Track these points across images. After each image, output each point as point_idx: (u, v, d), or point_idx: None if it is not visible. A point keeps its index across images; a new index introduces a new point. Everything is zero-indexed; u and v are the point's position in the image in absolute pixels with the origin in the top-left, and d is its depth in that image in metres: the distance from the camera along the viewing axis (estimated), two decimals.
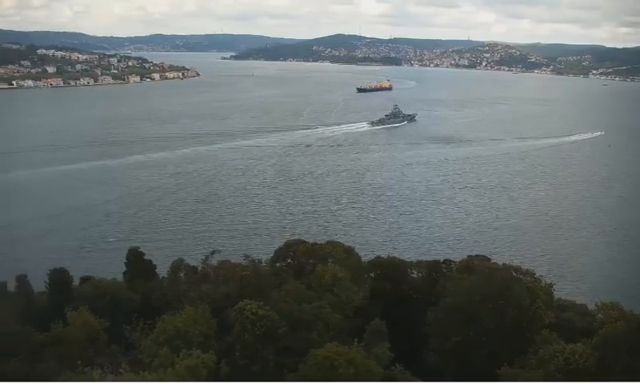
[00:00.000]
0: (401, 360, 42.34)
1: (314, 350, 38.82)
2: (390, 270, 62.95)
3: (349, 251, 64.65)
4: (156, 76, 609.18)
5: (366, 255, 74.00)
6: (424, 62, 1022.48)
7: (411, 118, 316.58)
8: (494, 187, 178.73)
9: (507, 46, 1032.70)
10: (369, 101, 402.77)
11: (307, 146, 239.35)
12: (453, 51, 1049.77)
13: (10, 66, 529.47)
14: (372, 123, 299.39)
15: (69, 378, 31.54)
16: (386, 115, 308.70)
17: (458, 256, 72.70)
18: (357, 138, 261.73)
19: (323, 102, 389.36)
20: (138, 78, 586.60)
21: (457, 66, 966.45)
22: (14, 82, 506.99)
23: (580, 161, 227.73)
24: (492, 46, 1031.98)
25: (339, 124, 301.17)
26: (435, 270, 63.57)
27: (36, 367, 40.39)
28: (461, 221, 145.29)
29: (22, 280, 60.69)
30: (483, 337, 46.74)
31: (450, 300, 50.51)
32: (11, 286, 60.93)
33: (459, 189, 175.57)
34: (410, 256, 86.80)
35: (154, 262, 68.20)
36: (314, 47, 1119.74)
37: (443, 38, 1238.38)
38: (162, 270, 66.72)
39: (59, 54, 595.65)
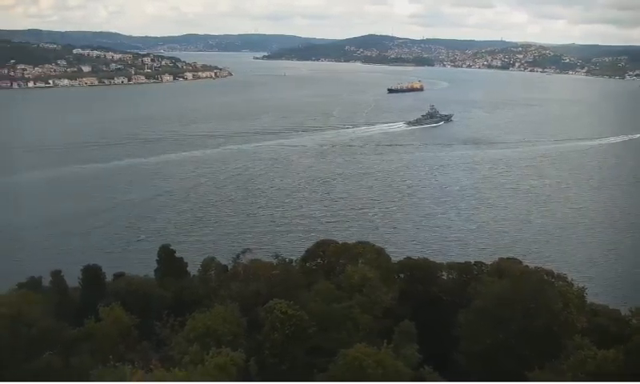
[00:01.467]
0: (430, 362, 42.12)
1: (343, 350, 38.80)
2: (420, 271, 62.68)
3: (379, 252, 64.39)
4: (189, 75, 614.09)
5: (396, 256, 73.67)
6: (456, 63, 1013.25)
7: (448, 119, 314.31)
8: (527, 189, 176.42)
9: (541, 47, 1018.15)
10: (399, 101, 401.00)
11: (343, 145, 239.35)
12: (485, 52, 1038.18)
13: (47, 66, 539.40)
14: (409, 123, 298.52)
15: (101, 372, 31.93)
16: (423, 115, 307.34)
17: (489, 258, 71.95)
18: (392, 138, 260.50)
19: (354, 103, 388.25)
20: (170, 78, 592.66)
21: (489, 66, 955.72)
22: (50, 81, 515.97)
23: (615, 164, 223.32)
24: (525, 47, 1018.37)
25: (375, 124, 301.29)
26: (466, 272, 63.10)
27: (69, 361, 41.04)
28: (493, 223, 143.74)
29: (56, 276, 61.78)
30: (513, 340, 46.20)
31: (480, 302, 50.00)
32: (46, 282, 61.98)
33: (492, 191, 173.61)
34: (440, 258, 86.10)
35: (184, 260, 68.83)
36: (346, 47, 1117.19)
37: (476, 39, 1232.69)
38: (193, 268, 67.35)
39: (94, 53, 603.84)
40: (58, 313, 51.45)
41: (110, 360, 33.09)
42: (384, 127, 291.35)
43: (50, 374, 38.60)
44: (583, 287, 56.10)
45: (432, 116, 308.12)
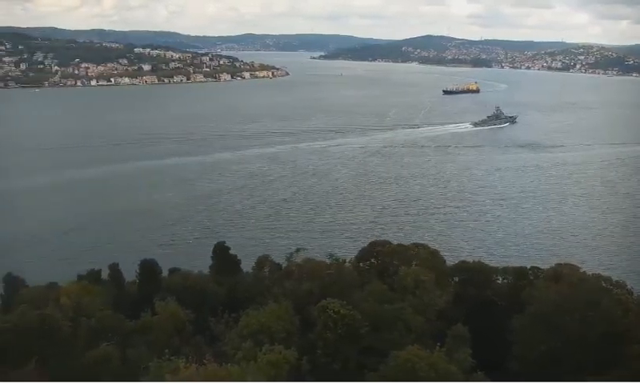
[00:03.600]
0: (483, 367, 41.51)
1: (395, 352, 38.57)
2: (474, 274, 61.87)
3: (434, 254, 63.85)
4: (246, 75, 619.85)
5: (451, 259, 72.88)
6: (515, 64, 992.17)
7: (512, 120, 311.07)
8: (586, 194, 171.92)
9: (603, 48, 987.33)
10: (455, 103, 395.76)
11: (402, 146, 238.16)
12: (545, 53, 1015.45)
13: (109, 65, 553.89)
14: (475, 124, 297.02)
15: (156, 365, 32.48)
16: (489, 116, 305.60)
17: (545, 263, 70.51)
18: (458, 139, 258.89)
19: (409, 104, 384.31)
20: (228, 77, 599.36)
21: (549, 68, 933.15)
22: (112, 79, 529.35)
23: None
24: (587, 48, 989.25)
25: (441, 124, 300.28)
26: (522, 276, 62.01)
27: (126, 353, 41.94)
28: (551, 227, 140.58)
29: (114, 269, 63.27)
30: (569, 348, 45.14)
31: (535, 308, 48.99)
32: (104, 275, 63.50)
33: (551, 194, 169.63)
34: (495, 261, 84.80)
35: (239, 257, 69.48)
36: (403, 48, 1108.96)
37: (535, 40, 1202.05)
38: (247, 265, 67.94)
39: (154, 52, 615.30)
40: (116, 305, 52.72)
41: (165, 353, 33.61)
42: (450, 127, 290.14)
43: (107, 364, 39.54)
44: None
45: (497, 117, 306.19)
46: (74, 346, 41.65)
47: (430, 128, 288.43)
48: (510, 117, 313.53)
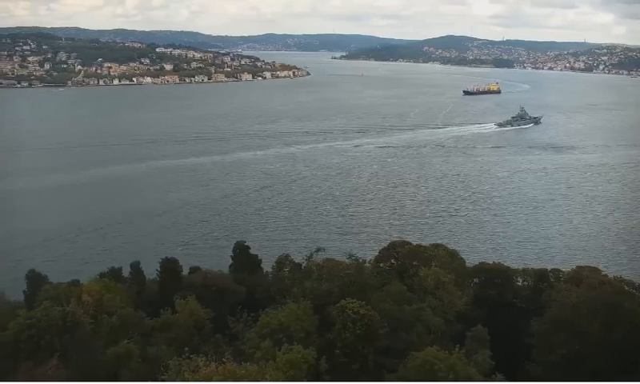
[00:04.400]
0: (502, 369, 41.33)
1: (414, 353, 38.58)
2: (494, 276, 61.65)
3: (453, 255, 63.73)
4: (267, 74, 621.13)
5: (471, 260, 72.58)
6: (537, 65, 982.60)
7: (537, 121, 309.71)
8: (609, 196, 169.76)
9: (627, 49, 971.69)
10: (476, 104, 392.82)
11: (430, 146, 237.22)
12: (568, 54, 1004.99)
13: (131, 64, 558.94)
14: (499, 125, 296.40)
15: (176, 362, 32.74)
16: (513, 117, 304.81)
17: (566, 266, 69.98)
18: (481, 140, 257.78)
19: (430, 104, 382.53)
20: (250, 77, 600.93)
21: (572, 69, 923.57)
22: (134, 79, 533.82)
23: None
24: (610, 48, 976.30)
25: (465, 124, 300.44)
26: (542, 278, 61.72)
27: (146, 350, 42.30)
28: (572, 229, 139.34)
29: (135, 267, 63.80)
30: (590, 351, 44.74)
31: (555, 311, 48.69)
32: (126, 272, 64.07)
33: (573, 196, 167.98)
34: (516, 263, 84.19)
35: (259, 257, 69.76)
36: (425, 48, 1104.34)
37: (558, 40, 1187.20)
38: (267, 265, 68.11)
39: (176, 52, 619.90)
40: (137, 303, 53.20)
41: (184, 351, 33.85)
42: (474, 128, 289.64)
43: (127, 361, 39.92)
44: None
45: (522, 118, 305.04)
46: (95, 342, 42.09)
47: (453, 128, 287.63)
48: (535, 117, 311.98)
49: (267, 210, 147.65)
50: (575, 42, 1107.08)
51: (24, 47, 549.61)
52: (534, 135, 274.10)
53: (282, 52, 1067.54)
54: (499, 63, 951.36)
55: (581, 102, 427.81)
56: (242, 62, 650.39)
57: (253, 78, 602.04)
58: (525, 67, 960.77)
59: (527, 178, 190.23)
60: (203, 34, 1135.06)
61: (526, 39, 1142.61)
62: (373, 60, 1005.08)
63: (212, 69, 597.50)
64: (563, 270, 64.06)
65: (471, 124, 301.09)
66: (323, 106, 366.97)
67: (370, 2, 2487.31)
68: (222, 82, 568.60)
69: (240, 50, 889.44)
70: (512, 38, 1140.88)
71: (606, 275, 59.30)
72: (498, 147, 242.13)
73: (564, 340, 46.14)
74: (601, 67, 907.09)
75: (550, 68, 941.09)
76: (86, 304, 45.66)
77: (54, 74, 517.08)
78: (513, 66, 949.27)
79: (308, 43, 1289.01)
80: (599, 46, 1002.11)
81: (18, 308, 50.08)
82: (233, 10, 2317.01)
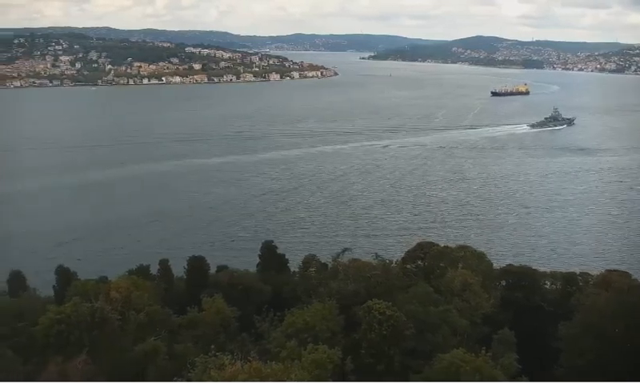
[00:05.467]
0: (528, 372, 40.93)
1: (440, 354, 38.38)
2: (522, 278, 61.06)
3: (480, 257, 63.28)
4: (295, 75, 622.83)
5: (498, 262, 72.02)
6: (567, 66, 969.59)
7: (570, 122, 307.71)
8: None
9: None
10: (504, 106, 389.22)
11: (460, 147, 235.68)
12: (599, 55, 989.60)
13: (161, 64, 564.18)
14: (532, 125, 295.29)
15: (202, 360, 32.93)
16: (546, 118, 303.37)
17: (595, 269, 69.07)
18: (514, 141, 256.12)
19: (458, 106, 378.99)
20: (278, 77, 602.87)
21: (602, 70, 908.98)
22: (163, 78, 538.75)
23: None
24: None
25: (499, 125, 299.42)
26: (570, 282, 61.04)
27: (173, 347, 42.64)
28: (602, 234, 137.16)
29: (164, 264, 64.39)
30: (618, 357, 44.04)
31: (583, 315, 48.00)
32: (154, 270, 64.67)
33: (604, 199, 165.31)
34: (544, 266, 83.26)
35: (285, 257, 69.92)
36: (453, 49, 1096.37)
37: (589, 41, 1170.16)
38: (294, 265, 68.23)
39: (205, 51, 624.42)
40: (164, 300, 53.66)
41: (211, 349, 34.03)
42: (507, 128, 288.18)
43: (154, 358, 40.28)
44: None
45: (555, 119, 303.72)
46: (123, 339, 42.56)
47: (487, 129, 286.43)
48: (568, 119, 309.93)
49: (294, 211, 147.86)
50: (607, 43, 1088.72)
51: (56, 47, 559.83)
52: (567, 136, 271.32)
53: (310, 52, 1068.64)
54: (529, 64, 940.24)
55: (612, 104, 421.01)
56: (270, 62, 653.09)
57: (281, 77, 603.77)
58: (554, 68, 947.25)
59: (558, 179, 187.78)
60: (232, 34, 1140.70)
61: (556, 40, 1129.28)
62: (401, 60, 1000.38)
63: (240, 68, 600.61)
64: (592, 273, 63.24)
65: (505, 125, 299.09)
66: (351, 107, 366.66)
67: (399, 2, 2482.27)
68: (250, 81, 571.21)
69: (268, 50, 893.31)
70: (542, 39, 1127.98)
71: (635, 280, 58.52)
72: (532, 148, 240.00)
73: (591, 344, 45.49)
74: (633, 68, 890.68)
75: (581, 69, 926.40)
76: (115, 301, 46.16)
77: (85, 73, 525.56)
78: (542, 67, 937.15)
79: (336, 43, 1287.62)
80: (631, 47, 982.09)
81: (48, 303, 50.83)
82: (261, 10, 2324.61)
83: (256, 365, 30.86)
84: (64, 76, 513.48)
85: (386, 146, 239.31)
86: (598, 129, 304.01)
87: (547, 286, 62.67)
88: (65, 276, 62.38)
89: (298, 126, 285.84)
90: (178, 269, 66.21)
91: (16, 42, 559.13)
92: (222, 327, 47.42)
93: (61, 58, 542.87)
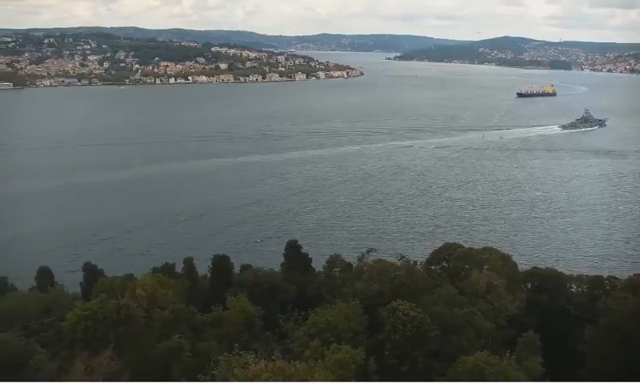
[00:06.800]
0: (553, 376, 40.50)
1: (464, 357, 38.15)
2: (547, 281, 60.45)
3: (505, 259, 62.75)
4: (321, 74, 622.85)
5: (524, 264, 71.38)
6: (596, 67, 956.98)
7: (601, 124, 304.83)
8: None
9: None
10: (530, 107, 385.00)
11: (487, 148, 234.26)
12: (628, 55, 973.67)
13: (187, 63, 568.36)
14: (563, 127, 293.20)
15: (226, 359, 33.04)
16: (577, 119, 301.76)
17: (623, 273, 68.10)
18: (545, 142, 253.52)
19: (483, 107, 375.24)
20: (304, 76, 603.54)
21: (632, 71, 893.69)
22: (189, 78, 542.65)
23: None
24: None
25: (532, 126, 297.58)
26: (597, 285, 60.26)
27: (197, 345, 42.90)
28: (631, 238, 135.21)
29: (188, 263, 64.83)
30: None
31: (610, 319, 47.32)
32: (178, 268, 65.14)
33: (633, 203, 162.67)
34: (570, 269, 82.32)
35: (310, 256, 69.92)
36: (480, 49, 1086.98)
37: (618, 41, 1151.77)
38: (318, 264, 68.19)
39: (231, 51, 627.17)
40: (189, 298, 53.97)
41: (234, 347, 34.14)
42: (538, 130, 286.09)
43: (178, 355, 40.56)
44: None
45: (586, 120, 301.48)
46: (148, 336, 42.89)
47: (519, 130, 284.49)
48: (599, 120, 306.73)
49: (318, 210, 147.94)
50: (637, 44, 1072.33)
51: (85, 46, 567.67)
52: (598, 138, 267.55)
53: (336, 52, 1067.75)
54: (556, 65, 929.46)
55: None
56: (296, 62, 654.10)
57: (307, 77, 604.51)
58: (582, 69, 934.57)
59: (587, 181, 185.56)
60: (258, 34, 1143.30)
61: (584, 40, 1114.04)
62: (427, 61, 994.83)
63: (266, 68, 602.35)
64: (619, 277, 62.35)
65: (535, 126, 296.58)
66: (376, 107, 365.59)
67: (425, 3, 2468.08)
68: (275, 81, 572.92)
69: (294, 50, 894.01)
70: (569, 39, 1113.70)
71: None
72: (561, 150, 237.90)
73: (618, 350, 44.86)
74: None
75: (610, 70, 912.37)
76: (140, 298, 46.49)
77: (113, 72, 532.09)
78: (570, 68, 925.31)
79: (362, 43, 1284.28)
80: None
81: (75, 299, 51.45)
82: (287, 10, 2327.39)
83: (279, 364, 30.92)
84: (92, 75, 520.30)
85: (412, 146, 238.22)
86: (629, 131, 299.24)
87: (573, 290, 61.95)
88: (91, 273, 63.10)
89: (323, 126, 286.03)
90: (203, 268, 66.63)
91: (46, 41, 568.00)
92: (245, 326, 47.59)
93: (89, 57, 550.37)
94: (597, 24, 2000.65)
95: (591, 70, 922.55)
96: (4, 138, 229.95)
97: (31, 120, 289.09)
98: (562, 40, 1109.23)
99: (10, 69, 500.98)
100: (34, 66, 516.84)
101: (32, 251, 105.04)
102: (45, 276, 65.56)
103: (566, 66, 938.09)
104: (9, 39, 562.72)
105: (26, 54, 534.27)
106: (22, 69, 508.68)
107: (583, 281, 62.70)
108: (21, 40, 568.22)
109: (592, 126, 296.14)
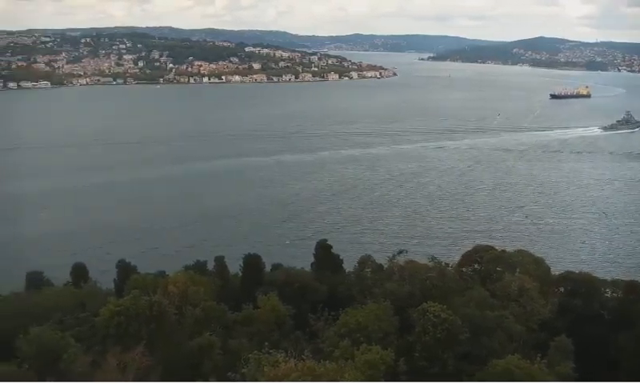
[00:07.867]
0: (585, 382, 39.94)
1: (495, 360, 37.83)
2: (581, 285, 59.51)
3: (538, 262, 62.17)
4: (354, 75, 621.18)
5: (557, 268, 70.49)
6: (633, 68, 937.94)
7: None
8: None
9: None
10: (565, 108, 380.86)
11: (518, 150, 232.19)
12: None
13: (220, 63, 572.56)
14: (604, 128, 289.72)
15: (256, 357, 33.22)
16: (618, 121, 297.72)
17: None
18: (580, 144, 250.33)
19: (516, 108, 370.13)
20: (336, 76, 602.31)
21: None
22: (223, 77, 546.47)
23: None
24: None
25: (570, 127, 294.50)
26: (633, 291, 59.11)
27: (228, 342, 43.19)
28: None
29: (219, 261, 65.21)
30: None
31: None
32: (210, 266, 65.59)
33: None
34: (604, 274, 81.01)
35: (340, 257, 69.86)
36: (514, 50, 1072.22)
37: None
38: (349, 265, 68.14)
39: (264, 51, 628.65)
40: (220, 296, 54.28)
41: (265, 346, 34.31)
42: (579, 131, 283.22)
43: (209, 352, 40.89)
44: None
45: (628, 122, 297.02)
46: (180, 333, 43.30)
47: (559, 131, 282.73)
48: None
49: (349, 211, 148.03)
50: None
51: (120, 46, 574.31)
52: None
53: (369, 52, 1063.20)
54: (592, 66, 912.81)
55: None
56: (329, 62, 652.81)
57: (339, 77, 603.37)
58: (619, 70, 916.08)
59: (625, 185, 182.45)
60: (291, 34, 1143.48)
61: (620, 41, 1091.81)
62: (460, 61, 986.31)
63: (299, 68, 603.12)
64: None
65: (575, 127, 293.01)
66: (408, 108, 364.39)
67: (458, 3, 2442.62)
68: (308, 81, 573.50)
69: (327, 50, 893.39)
70: (606, 40, 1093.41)
71: None
72: (596, 152, 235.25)
73: None
74: None
75: None
76: (172, 295, 46.96)
77: (147, 71, 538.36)
78: (607, 69, 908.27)
79: (395, 44, 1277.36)
80: None
81: (108, 295, 52.16)
82: (320, 10, 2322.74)
83: (309, 363, 31.01)
84: (127, 74, 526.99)
85: (443, 147, 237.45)
86: None
87: (607, 294, 60.89)
88: (125, 270, 63.71)
89: (354, 126, 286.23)
90: (234, 266, 66.97)
91: (83, 41, 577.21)
92: (276, 325, 47.75)
93: (124, 56, 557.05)
94: (634, 24, 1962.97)
95: (629, 71, 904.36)
96: (40, 135, 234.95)
97: (69, 118, 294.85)
98: (599, 41, 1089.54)
99: (48, 68, 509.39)
100: (71, 65, 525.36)
101: (66, 248, 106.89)
102: (79, 272, 66.51)
103: (602, 67, 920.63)
104: (47, 39, 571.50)
105: (64, 54, 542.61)
106: (59, 68, 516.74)
107: (618, 286, 61.55)
108: (59, 40, 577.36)
109: (634, 128, 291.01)
